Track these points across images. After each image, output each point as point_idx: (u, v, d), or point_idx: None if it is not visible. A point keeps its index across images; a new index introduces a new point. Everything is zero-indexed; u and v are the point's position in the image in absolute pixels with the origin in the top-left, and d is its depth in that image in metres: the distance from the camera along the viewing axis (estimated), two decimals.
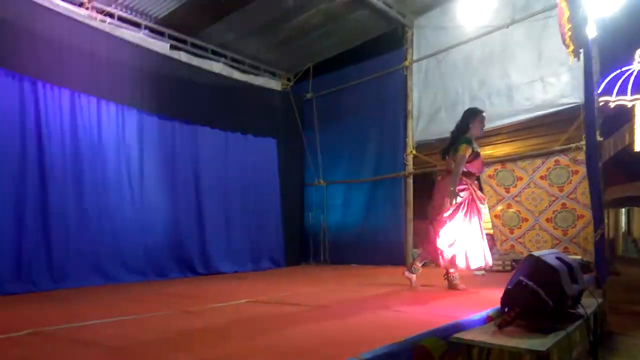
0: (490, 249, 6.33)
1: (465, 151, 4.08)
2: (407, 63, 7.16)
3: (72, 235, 5.27)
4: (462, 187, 4.13)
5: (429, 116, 6.86)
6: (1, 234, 4.72)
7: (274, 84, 8.36)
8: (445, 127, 6.61)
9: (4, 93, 4.90)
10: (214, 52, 7.49)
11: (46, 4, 5.30)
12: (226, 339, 2.46)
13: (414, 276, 4.29)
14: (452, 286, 4.17)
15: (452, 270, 4.19)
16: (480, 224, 4.22)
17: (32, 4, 5.14)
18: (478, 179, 4.41)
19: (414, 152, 6.99)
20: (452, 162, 4.17)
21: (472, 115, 4.26)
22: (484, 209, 4.34)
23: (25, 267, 4.83)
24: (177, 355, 2.13)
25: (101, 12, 6.05)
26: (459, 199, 4.09)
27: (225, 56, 7.65)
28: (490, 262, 4.30)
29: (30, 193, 5.00)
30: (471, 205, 4.17)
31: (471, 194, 4.18)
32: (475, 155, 4.19)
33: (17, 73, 5.00)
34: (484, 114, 4.30)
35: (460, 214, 4.12)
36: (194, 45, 7.20)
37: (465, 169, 4.14)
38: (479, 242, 4.18)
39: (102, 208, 5.61)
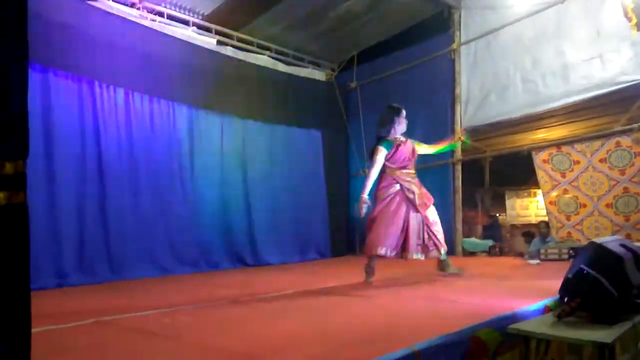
0: (545, 236, 6.14)
1: (377, 153, 4.11)
2: (454, 46, 6.95)
3: (130, 229, 5.49)
4: (385, 183, 4.12)
5: (478, 101, 6.64)
6: (64, 230, 4.98)
7: (318, 75, 8.35)
8: (495, 111, 6.43)
9: (64, 94, 5.14)
10: (259, 46, 7.56)
11: (100, 5, 5.53)
12: (278, 329, 2.49)
13: (452, 269, 4.25)
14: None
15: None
16: (418, 216, 4.10)
17: (87, 6, 5.37)
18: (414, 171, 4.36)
19: (462, 138, 6.80)
20: None
21: (394, 114, 4.27)
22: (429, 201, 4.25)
23: (86, 260, 5.09)
24: (232, 343, 2.17)
25: (151, 11, 6.23)
26: (387, 195, 4.07)
27: (269, 49, 7.70)
28: (423, 257, 4.12)
29: (90, 190, 5.25)
30: (402, 199, 4.10)
31: (402, 188, 4.10)
32: (395, 148, 4.16)
33: (75, 74, 5.24)
34: (404, 111, 4.31)
35: (388, 208, 4.05)
36: (239, 39, 7.29)
37: (390, 166, 4.14)
38: (415, 235, 4.08)
39: (157, 203, 5.81)
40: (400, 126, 4.29)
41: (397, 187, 4.12)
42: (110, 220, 5.35)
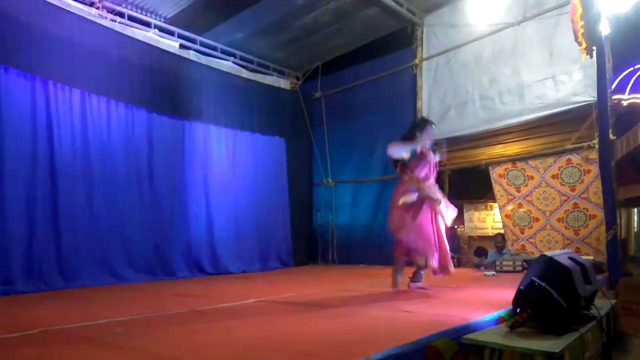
0: (501, 249, 6.33)
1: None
2: (416, 61, 7.11)
3: (82, 234, 5.29)
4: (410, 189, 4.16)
5: (438, 115, 6.80)
6: (12, 233, 4.74)
7: (283, 83, 8.36)
8: (455, 126, 6.60)
9: (15, 93, 4.92)
10: (223, 51, 7.50)
11: (57, 3, 5.34)
12: (234, 338, 2.45)
13: (420, 283, 4.26)
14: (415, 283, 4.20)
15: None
16: (436, 225, 4.19)
17: (44, 4, 5.18)
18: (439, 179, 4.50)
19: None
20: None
21: (420, 125, 4.32)
22: (445, 210, 4.30)
23: (36, 266, 4.85)
24: (187, 354, 2.12)
25: (111, 11, 6.08)
26: (409, 200, 4.10)
27: (234, 55, 7.66)
28: (451, 270, 4.21)
29: (41, 193, 5.02)
30: (422, 208, 4.15)
31: (423, 197, 4.15)
32: (419, 158, 4.18)
33: (28, 73, 5.03)
34: (432, 125, 4.36)
35: (414, 215, 4.10)
36: (203, 44, 7.22)
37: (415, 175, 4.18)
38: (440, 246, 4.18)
39: (112, 207, 5.63)
40: (425, 139, 4.26)
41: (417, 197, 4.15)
42: (62, 224, 5.13)
